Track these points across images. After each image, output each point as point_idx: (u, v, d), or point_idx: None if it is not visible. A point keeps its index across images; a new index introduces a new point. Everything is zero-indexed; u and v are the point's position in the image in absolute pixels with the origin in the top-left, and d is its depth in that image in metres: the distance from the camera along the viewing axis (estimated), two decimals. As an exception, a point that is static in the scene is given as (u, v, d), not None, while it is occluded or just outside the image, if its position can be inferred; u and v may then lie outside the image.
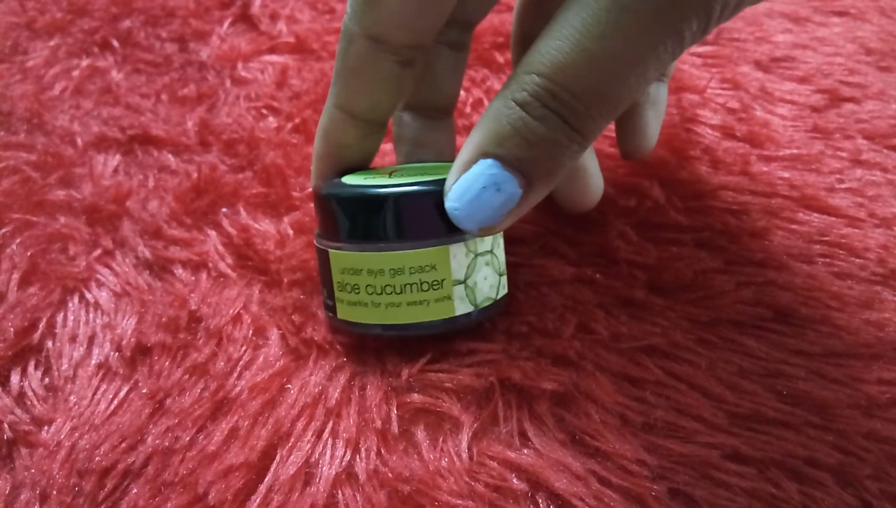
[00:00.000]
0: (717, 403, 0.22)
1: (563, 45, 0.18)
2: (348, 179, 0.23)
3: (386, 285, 0.22)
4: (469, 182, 0.20)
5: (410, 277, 0.22)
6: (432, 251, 0.22)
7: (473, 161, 0.19)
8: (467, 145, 0.20)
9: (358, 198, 0.22)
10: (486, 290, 0.23)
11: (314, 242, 0.24)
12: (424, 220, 0.22)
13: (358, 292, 0.22)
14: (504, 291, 0.24)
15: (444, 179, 0.21)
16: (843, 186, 0.30)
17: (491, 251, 0.23)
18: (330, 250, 0.23)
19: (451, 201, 0.20)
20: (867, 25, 0.39)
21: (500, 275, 0.24)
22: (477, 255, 0.23)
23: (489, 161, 0.19)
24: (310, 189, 0.30)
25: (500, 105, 0.19)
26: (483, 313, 0.23)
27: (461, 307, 0.22)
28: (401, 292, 0.22)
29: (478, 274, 0.23)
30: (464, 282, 0.22)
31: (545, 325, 0.24)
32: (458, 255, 0.22)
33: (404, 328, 0.23)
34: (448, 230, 0.22)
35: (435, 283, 0.22)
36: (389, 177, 0.23)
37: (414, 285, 0.22)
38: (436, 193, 0.21)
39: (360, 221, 0.22)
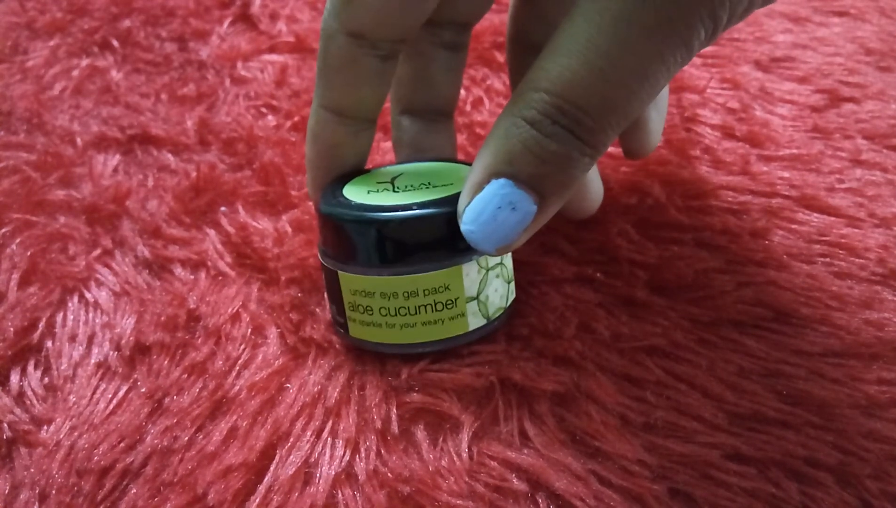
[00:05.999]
0: (717, 403, 0.22)
1: (569, 62, 0.17)
2: (350, 192, 0.23)
3: (400, 307, 0.22)
4: (483, 203, 0.19)
5: (425, 298, 0.22)
6: (445, 272, 0.22)
7: (485, 182, 0.19)
8: (477, 166, 0.19)
9: (367, 222, 0.21)
10: (497, 301, 0.23)
11: (319, 257, 0.24)
12: (437, 242, 0.21)
13: (371, 314, 0.22)
14: (513, 296, 0.24)
15: (453, 196, 0.21)
16: (843, 186, 0.30)
17: (500, 263, 0.23)
18: (339, 272, 0.22)
19: (467, 224, 0.20)
20: (867, 25, 0.39)
21: (509, 282, 0.24)
22: (488, 270, 0.23)
23: (501, 180, 0.19)
24: (307, 189, 0.30)
25: (509, 124, 0.19)
26: (495, 323, 0.23)
27: (474, 322, 0.23)
28: (415, 313, 0.22)
29: (489, 288, 0.23)
30: (476, 298, 0.22)
31: (546, 325, 0.24)
32: (470, 273, 0.22)
33: (419, 346, 0.23)
34: (460, 250, 0.21)
35: (449, 302, 0.22)
36: (393, 188, 0.23)
37: (428, 305, 0.22)
38: (447, 214, 0.21)
39: (371, 245, 0.22)
